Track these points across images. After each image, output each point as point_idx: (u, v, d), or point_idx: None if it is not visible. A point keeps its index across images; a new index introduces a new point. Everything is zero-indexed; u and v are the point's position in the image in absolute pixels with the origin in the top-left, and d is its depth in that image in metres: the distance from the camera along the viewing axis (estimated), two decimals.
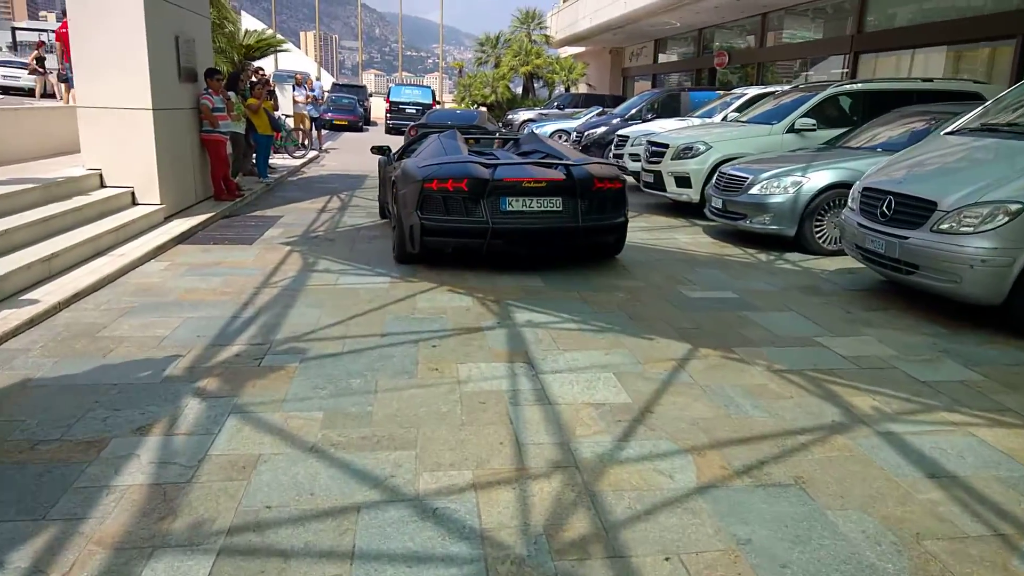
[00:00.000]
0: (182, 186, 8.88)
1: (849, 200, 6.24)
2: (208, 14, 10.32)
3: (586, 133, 16.93)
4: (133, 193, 8.10)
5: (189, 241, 7.59)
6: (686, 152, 9.84)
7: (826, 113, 9.66)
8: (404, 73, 57.19)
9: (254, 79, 12.66)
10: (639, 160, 12.42)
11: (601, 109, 22.32)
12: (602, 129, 16.78)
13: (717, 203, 8.21)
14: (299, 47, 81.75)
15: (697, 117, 12.80)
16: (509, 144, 8.55)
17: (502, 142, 8.91)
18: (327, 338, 4.54)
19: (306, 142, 17.16)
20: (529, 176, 6.46)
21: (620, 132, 13.49)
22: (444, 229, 6.43)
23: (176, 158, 8.67)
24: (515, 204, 6.42)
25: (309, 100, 17.62)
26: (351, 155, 18.47)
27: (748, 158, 8.53)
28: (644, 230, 8.88)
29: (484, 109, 29.73)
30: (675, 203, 10.45)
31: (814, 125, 9.42)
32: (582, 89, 32.68)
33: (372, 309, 5.21)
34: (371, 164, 15.35)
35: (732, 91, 13.65)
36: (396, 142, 22.26)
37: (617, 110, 18.14)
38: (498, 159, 7.09)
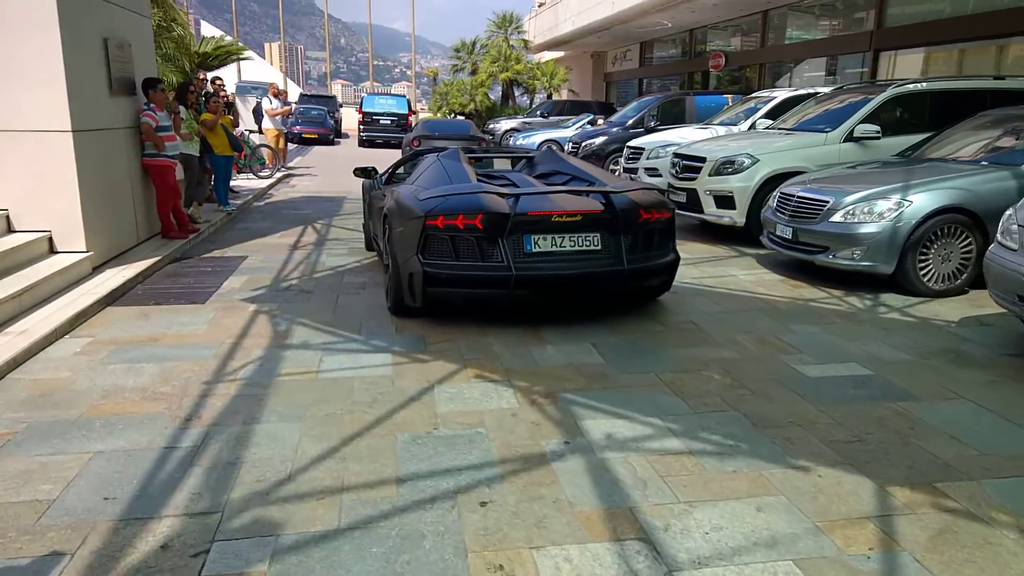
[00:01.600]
0: (118, 225, 7.13)
1: (999, 234, 4.73)
2: (148, 13, 8.58)
3: (583, 144, 15.40)
4: (51, 239, 6.34)
5: (123, 301, 5.85)
6: (727, 166, 8.33)
7: (884, 118, 8.21)
8: (372, 83, 55.26)
9: (210, 89, 10.92)
10: (656, 175, 10.95)
11: (592, 117, 20.88)
12: (601, 139, 15.30)
13: (784, 232, 6.68)
14: (264, 58, 79.50)
15: (719, 125, 11.32)
16: (520, 164, 6.96)
17: (512, 161, 7.31)
18: (312, 494, 2.88)
19: (276, 162, 15.36)
20: (559, 208, 4.91)
21: (632, 143, 11.96)
22: (454, 278, 4.87)
23: (109, 190, 6.93)
24: (542, 243, 4.87)
25: (286, 113, 15.78)
26: (324, 173, 16.72)
27: (819, 176, 7.01)
28: (688, 264, 7.31)
29: (461, 118, 28.16)
30: (706, 225, 8.93)
31: (878, 132, 7.96)
32: (564, 95, 31.24)
33: (374, 422, 3.55)
34: (348, 184, 13.65)
35: (755, 94, 12.19)
36: (371, 157, 20.58)
37: (615, 118, 16.67)
38: (516, 185, 5.54)
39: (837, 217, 6.19)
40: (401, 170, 7.17)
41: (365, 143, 25.47)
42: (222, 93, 11.52)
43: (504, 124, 24.37)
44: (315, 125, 25.75)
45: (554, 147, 20.04)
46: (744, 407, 3.75)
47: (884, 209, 5.98)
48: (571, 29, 26.44)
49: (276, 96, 14.87)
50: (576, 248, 4.95)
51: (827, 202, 6.29)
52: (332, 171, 17.05)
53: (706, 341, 4.87)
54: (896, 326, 5.24)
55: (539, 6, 34.34)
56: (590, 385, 4.06)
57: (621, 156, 14.73)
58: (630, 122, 15.42)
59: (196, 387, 3.98)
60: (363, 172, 7.43)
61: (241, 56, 16.95)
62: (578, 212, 4.89)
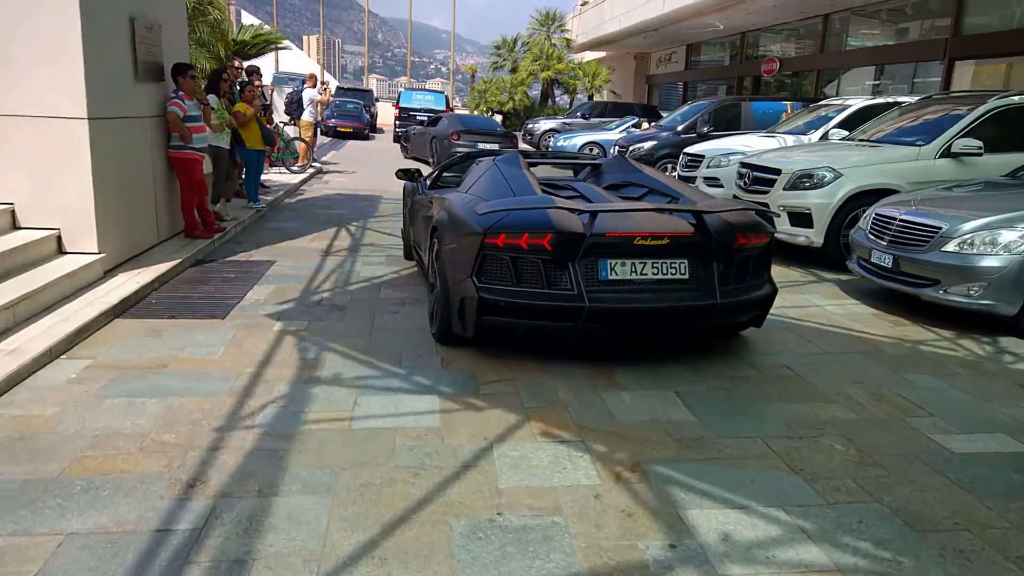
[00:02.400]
0: (136, 223, 6.51)
1: None
2: None
3: (631, 148, 14.60)
4: (59, 238, 5.72)
5: (133, 312, 5.20)
6: (805, 180, 7.49)
7: (982, 132, 7.30)
8: (408, 79, 54.91)
9: (245, 78, 10.29)
10: (716, 185, 10.15)
11: (637, 119, 20.05)
12: (650, 143, 14.51)
13: (882, 259, 5.84)
14: (302, 50, 79.56)
15: (787, 134, 10.45)
16: (585, 172, 6.19)
17: (574, 169, 6.55)
18: None
19: (310, 157, 14.74)
20: (643, 229, 4.14)
21: (690, 150, 11.13)
22: (514, 306, 4.12)
23: (127, 185, 6.30)
24: (620, 270, 4.12)
25: (325, 102, 15.06)
26: (359, 169, 16.11)
27: (926, 197, 6.15)
28: None
29: (497, 117, 27.48)
30: (777, 244, 8.06)
31: (980, 148, 7.08)
32: (604, 97, 30.38)
33: (423, 500, 2.82)
34: (384, 182, 13.03)
35: (824, 102, 11.28)
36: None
37: (665, 121, 15.82)
38: (587, 199, 4.79)
39: (951, 247, 5.34)
40: (448, 174, 6.47)
41: (401, 138, 24.83)
42: (257, 83, 10.90)
43: (543, 124, 23.62)
44: (351, 119, 25.24)
45: (594, 150, 19.35)
46: (888, 496, 2.96)
47: (1010, 240, 5.13)
48: (616, 29, 25.59)
49: (314, 87, 14.29)
50: (660, 277, 4.18)
51: (939, 228, 5.44)
52: (368, 167, 16.46)
53: (811, 394, 4.07)
54: None
55: (582, 4, 33.51)
56: (685, 453, 3.29)
57: (671, 163, 13.98)
58: (681, 127, 14.58)
59: (205, 435, 3.29)
60: (406, 174, 6.74)
61: (280, 45, 16.37)
62: (665, 234, 4.12)
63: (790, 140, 9.98)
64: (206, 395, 3.73)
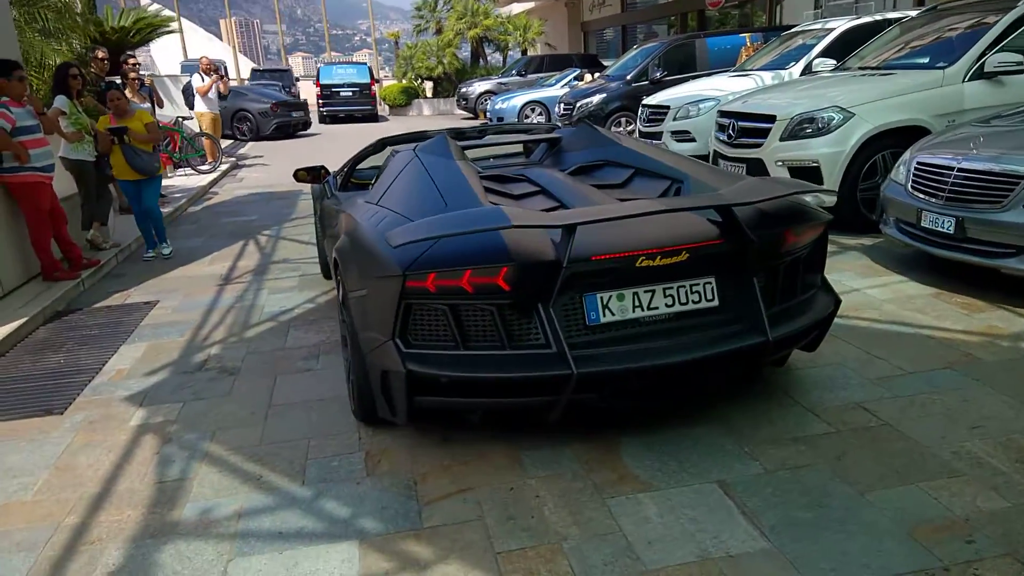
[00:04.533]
0: None
1: None
2: None
3: (578, 104, 13.12)
4: None
5: None
6: (807, 127, 6.12)
7: (1015, 44, 5.98)
8: (332, 53, 52.01)
9: (111, 79, 8.46)
10: (687, 139, 8.82)
11: (579, 71, 18.50)
12: (599, 97, 13.05)
13: (940, 223, 4.51)
14: (221, 35, 75.38)
15: (763, 70, 9.03)
16: (539, 150, 4.59)
17: (524, 146, 4.95)
18: None
19: (218, 154, 12.85)
20: (651, 241, 2.64)
21: (650, 101, 9.69)
22: (460, 382, 2.66)
23: None
24: (618, 307, 2.70)
25: (218, 88, 13.12)
26: (277, 160, 14.30)
27: (982, 135, 4.80)
28: None
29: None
30: None
31: (1021, 64, 5.78)
32: (539, 50, 28.60)
33: None
34: None
35: (798, 28, 9.82)
36: (334, 134, 18.06)
37: (613, 70, 14.29)
38: (554, 197, 3.30)
39: None
40: (361, 167, 4.93)
41: (326, 119, 22.92)
42: (132, 75, 9.05)
43: (478, 87, 21.88)
44: None
45: (537, 110, 17.59)
46: None
47: None
48: None
49: (207, 72, 12.39)
50: (678, 309, 2.76)
51: (1021, 178, 4.11)
52: (287, 157, 14.62)
53: (921, 460, 2.73)
54: None
55: None
56: None
57: (627, 117, 12.57)
58: (631, 75, 13.08)
59: None
60: (310, 174, 5.16)
61: (168, 29, 14.29)
62: (683, 246, 2.67)
63: (768, 78, 8.58)
64: None
